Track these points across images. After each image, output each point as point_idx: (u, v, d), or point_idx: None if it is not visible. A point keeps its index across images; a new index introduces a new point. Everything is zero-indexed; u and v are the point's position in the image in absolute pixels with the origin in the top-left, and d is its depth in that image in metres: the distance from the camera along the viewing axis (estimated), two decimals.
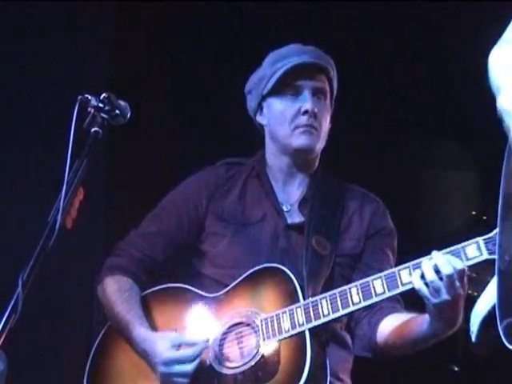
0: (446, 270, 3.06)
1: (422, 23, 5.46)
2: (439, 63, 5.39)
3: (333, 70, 3.70)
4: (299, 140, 3.62)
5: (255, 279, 3.49)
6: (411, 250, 3.25)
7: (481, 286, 2.93)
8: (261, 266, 3.48)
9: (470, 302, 3.02)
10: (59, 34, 4.95)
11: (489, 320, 2.55)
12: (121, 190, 4.12)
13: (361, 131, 5.49)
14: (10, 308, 2.71)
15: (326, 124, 3.67)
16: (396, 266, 3.30)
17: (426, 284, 3.10)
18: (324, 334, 3.39)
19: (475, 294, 3.04)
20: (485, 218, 3.05)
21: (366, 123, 5.60)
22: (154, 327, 3.55)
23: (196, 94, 5.29)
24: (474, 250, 3.10)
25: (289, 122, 3.63)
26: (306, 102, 3.60)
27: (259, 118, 3.78)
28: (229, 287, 3.53)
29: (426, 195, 5.53)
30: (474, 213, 3.04)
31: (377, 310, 3.46)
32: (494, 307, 2.43)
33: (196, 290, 3.60)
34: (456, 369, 3.25)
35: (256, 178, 3.76)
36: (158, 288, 3.66)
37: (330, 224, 3.64)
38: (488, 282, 2.61)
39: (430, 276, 3.08)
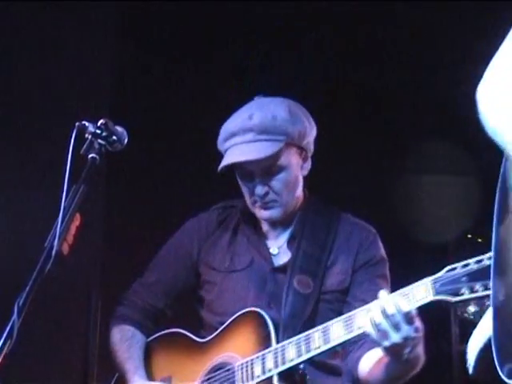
0: (390, 311, 3.05)
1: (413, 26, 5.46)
2: (431, 66, 5.42)
3: (287, 132, 3.56)
4: (262, 213, 3.63)
5: (237, 324, 3.54)
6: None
7: (479, 315, 2.92)
8: (243, 311, 3.52)
9: (468, 329, 3.01)
10: (59, 58, 4.98)
11: (485, 353, 2.52)
12: (119, 216, 4.10)
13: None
14: (5, 334, 2.68)
15: (289, 180, 3.61)
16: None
17: (374, 325, 3.09)
18: (300, 373, 3.38)
19: (474, 320, 3.05)
20: (480, 240, 3.02)
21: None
22: (151, 373, 3.70)
23: (196, 116, 5.32)
24: (423, 292, 3.09)
25: (248, 196, 3.63)
26: (256, 187, 3.57)
27: None
28: (215, 332, 3.60)
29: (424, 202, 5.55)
30: (469, 236, 3.01)
31: (360, 345, 3.42)
32: (489, 340, 2.39)
33: (190, 335, 3.70)
34: None
35: (246, 221, 3.76)
36: (160, 334, 3.80)
37: (317, 261, 3.63)
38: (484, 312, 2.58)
39: (377, 318, 3.07)
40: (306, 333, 3.31)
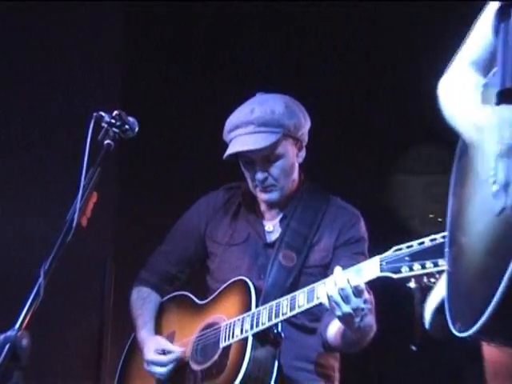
0: (342, 285, 3.17)
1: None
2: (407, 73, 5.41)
3: (284, 124, 3.71)
4: (262, 196, 3.79)
5: (228, 290, 3.74)
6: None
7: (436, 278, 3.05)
8: (233, 279, 3.71)
9: (426, 291, 3.13)
10: (77, 59, 5.05)
11: (439, 311, 2.57)
12: (130, 194, 4.22)
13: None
14: (33, 294, 2.84)
15: (287, 172, 3.77)
16: None
17: (328, 297, 3.22)
18: (274, 334, 3.53)
19: (431, 284, 3.14)
20: (440, 220, 3.15)
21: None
22: (160, 328, 3.95)
23: (202, 109, 5.38)
24: (371, 269, 3.22)
25: (250, 181, 3.79)
26: (257, 173, 3.73)
27: None
28: (211, 296, 3.80)
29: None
30: (431, 216, 3.15)
31: (330, 313, 3.45)
32: (443, 300, 2.46)
33: (193, 298, 3.94)
34: (414, 348, 3.35)
35: (247, 200, 3.93)
36: (172, 295, 4.05)
37: (303, 238, 3.76)
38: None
39: (330, 291, 3.19)
40: (277, 300, 3.45)
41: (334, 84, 5.60)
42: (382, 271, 3.17)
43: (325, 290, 3.23)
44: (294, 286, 3.61)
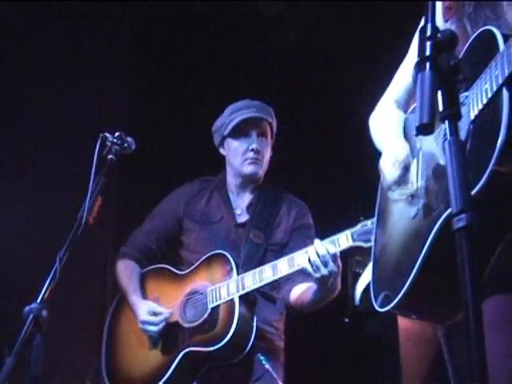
0: (322, 252, 3.25)
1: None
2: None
3: (272, 118, 3.87)
4: (248, 168, 3.81)
5: (209, 261, 3.70)
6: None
7: (364, 266, 3.10)
8: (213, 252, 3.69)
9: (357, 277, 3.18)
10: (86, 88, 4.92)
11: (367, 290, 2.69)
12: (129, 199, 4.20)
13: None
14: (51, 275, 2.88)
15: (267, 155, 3.86)
16: None
17: (311, 264, 3.28)
18: (252, 297, 3.57)
19: (360, 271, 3.20)
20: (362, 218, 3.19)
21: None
22: (145, 294, 3.84)
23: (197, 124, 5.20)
24: (344, 240, 3.29)
25: (241, 155, 3.81)
26: (253, 143, 3.78)
27: (221, 151, 3.95)
28: (192, 267, 3.76)
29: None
30: (361, 218, 3.20)
31: (292, 280, 3.60)
32: (369, 283, 2.48)
33: (173, 269, 3.85)
34: (346, 320, 3.41)
35: (219, 191, 3.95)
36: (151, 267, 3.93)
37: (267, 221, 3.81)
38: (367, 264, 2.76)
39: (312, 257, 3.27)
40: (260, 267, 3.51)
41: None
42: (353, 241, 3.28)
43: (305, 258, 3.32)
44: (262, 259, 3.69)
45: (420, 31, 1.57)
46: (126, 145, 3.35)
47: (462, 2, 2.26)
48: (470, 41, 2.09)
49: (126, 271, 3.91)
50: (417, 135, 1.50)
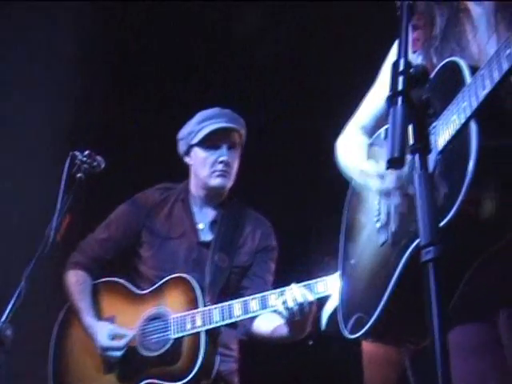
0: (299, 300, 3.18)
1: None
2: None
3: (243, 128, 3.73)
4: (216, 181, 3.65)
5: (171, 284, 3.55)
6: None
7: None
8: (175, 275, 3.55)
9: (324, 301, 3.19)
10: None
11: (334, 314, 2.71)
12: (94, 218, 4.18)
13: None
14: (16, 294, 2.91)
15: (235, 167, 3.71)
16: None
17: (286, 308, 3.21)
18: (218, 329, 3.46)
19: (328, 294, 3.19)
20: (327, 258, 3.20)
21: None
22: (99, 312, 3.65)
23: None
24: (322, 287, 3.22)
25: (209, 167, 3.64)
26: (223, 155, 3.62)
27: (187, 159, 3.76)
28: (152, 287, 3.61)
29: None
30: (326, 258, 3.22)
31: None
32: (336, 308, 2.52)
33: (130, 287, 3.68)
34: (310, 342, 3.42)
35: (181, 201, 3.78)
36: (105, 280, 3.74)
37: (231, 242, 3.68)
38: None
39: (290, 304, 3.20)
40: (229, 302, 3.39)
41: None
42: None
43: (280, 300, 3.23)
44: (226, 283, 3.60)
45: (393, 65, 1.60)
46: (95, 163, 3.40)
47: (429, 35, 2.31)
48: (436, 70, 2.13)
49: (77, 284, 3.68)
50: (387, 168, 1.52)
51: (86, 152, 3.38)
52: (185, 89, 5.20)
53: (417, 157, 1.53)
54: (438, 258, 1.43)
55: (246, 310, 3.35)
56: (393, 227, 2.17)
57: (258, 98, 5.20)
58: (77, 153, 3.35)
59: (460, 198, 1.82)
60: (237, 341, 3.68)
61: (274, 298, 3.29)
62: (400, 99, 1.52)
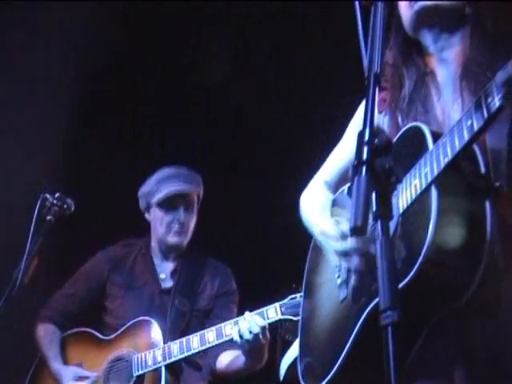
0: (254, 329, 3.33)
1: None
2: None
3: (200, 187, 3.94)
4: (173, 239, 3.88)
5: (134, 327, 3.72)
6: None
7: (293, 334, 3.17)
8: (139, 318, 3.72)
9: (286, 344, 3.26)
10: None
11: (292, 366, 2.77)
12: (63, 258, 4.20)
13: None
14: None
15: (192, 225, 3.92)
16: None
17: (241, 336, 3.36)
18: (178, 365, 3.62)
19: (290, 338, 3.30)
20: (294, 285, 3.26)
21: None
22: (66, 360, 3.83)
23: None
24: (273, 312, 3.39)
25: (166, 226, 3.87)
26: (179, 216, 3.84)
27: (147, 216, 3.99)
28: (116, 333, 3.76)
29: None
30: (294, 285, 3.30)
31: (218, 348, 3.63)
32: (295, 359, 2.56)
33: (96, 333, 3.85)
34: None
35: (143, 255, 3.99)
36: (73, 331, 3.93)
37: (191, 288, 3.87)
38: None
39: (242, 329, 3.35)
40: (187, 337, 3.55)
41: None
42: (282, 314, 3.35)
43: (234, 329, 3.37)
44: (187, 326, 3.75)
45: (358, 135, 1.66)
46: (65, 206, 3.48)
47: (396, 96, 2.38)
48: (400, 133, 2.20)
49: (46, 336, 3.87)
50: (351, 236, 1.58)
51: (57, 194, 3.44)
52: (150, 138, 5.32)
53: (379, 223, 1.59)
54: (396, 322, 1.49)
55: (203, 342, 3.49)
56: (353, 284, 2.22)
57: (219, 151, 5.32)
58: (47, 195, 3.41)
59: (420, 259, 1.88)
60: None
61: (230, 327, 3.43)
62: (364, 168, 1.58)
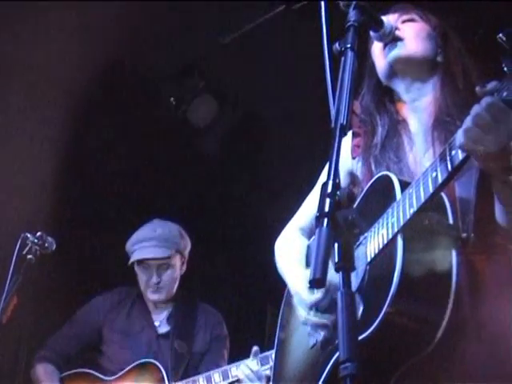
0: (256, 368, 3.55)
1: None
2: None
3: (178, 244, 4.05)
4: (152, 296, 4.02)
5: (137, 369, 3.84)
6: None
7: None
8: (142, 360, 3.85)
9: None
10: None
11: None
12: (46, 298, 4.21)
13: None
14: None
15: (171, 279, 4.02)
16: None
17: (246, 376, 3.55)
18: None
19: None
20: None
21: None
22: None
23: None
24: (255, 364, 3.57)
25: (144, 284, 4.01)
26: (153, 277, 3.97)
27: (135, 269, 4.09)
28: (119, 373, 3.86)
29: None
30: None
31: None
32: None
33: (97, 374, 3.93)
34: None
35: (138, 303, 4.11)
36: (72, 371, 4.00)
37: (187, 331, 3.99)
38: None
39: (246, 372, 3.56)
40: (193, 378, 3.72)
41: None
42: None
43: (241, 371, 3.56)
44: (186, 368, 3.88)
45: (321, 187, 1.69)
46: (46, 245, 3.48)
47: (369, 143, 2.42)
48: (371, 181, 2.24)
49: (46, 375, 3.93)
50: (310, 288, 1.60)
51: (38, 233, 3.45)
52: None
53: (340, 275, 1.61)
54: (354, 374, 1.50)
55: (209, 381, 3.66)
56: (322, 332, 2.22)
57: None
58: (28, 234, 3.42)
59: (384, 309, 1.91)
60: None
61: (235, 369, 3.62)
62: (325, 221, 1.60)
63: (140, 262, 3.98)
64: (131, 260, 3.99)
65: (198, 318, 4.04)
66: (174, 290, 4.05)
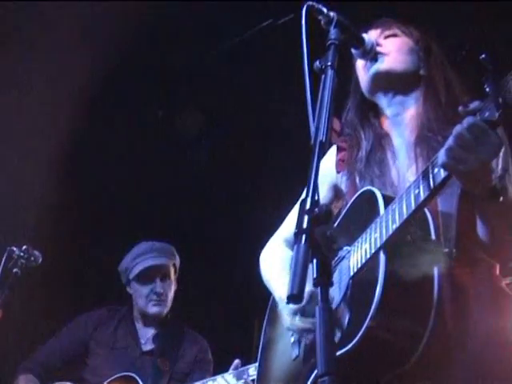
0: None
1: None
2: None
3: (174, 258, 4.16)
4: (153, 309, 4.07)
5: (117, 382, 3.88)
6: None
7: None
8: (123, 373, 3.89)
9: None
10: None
11: None
12: (30, 312, 4.22)
13: None
14: None
15: (171, 294, 4.13)
16: None
17: None
18: None
19: None
20: None
21: None
22: None
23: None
24: (231, 378, 3.68)
25: (145, 298, 4.07)
26: (156, 287, 4.04)
27: (128, 289, 4.17)
28: None
29: None
30: None
31: None
32: None
33: None
34: None
35: (126, 321, 4.16)
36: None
37: (171, 351, 4.06)
38: None
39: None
40: None
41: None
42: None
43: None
44: None
45: (300, 203, 1.71)
46: (32, 258, 3.49)
47: (353, 157, 2.44)
48: (355, 196, 2.26)
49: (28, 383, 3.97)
50: (287, 303, 1.61)
51: (24, 247, 3.46)
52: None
53: (318, 290, 1.63)
54: None
55: None
56: (304, 344, 2.26)
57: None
58: (14, 248, 3.43)
59: (366, 323, 1.93)
60: None
61: (211, 383, 3.73)
62: (303, 237, 1.61)
63: (141, 275, 4.04)
64: (135, 273, 4.05)
65: (183, 342, 4.13)
66: (169, 307, 4.12)
